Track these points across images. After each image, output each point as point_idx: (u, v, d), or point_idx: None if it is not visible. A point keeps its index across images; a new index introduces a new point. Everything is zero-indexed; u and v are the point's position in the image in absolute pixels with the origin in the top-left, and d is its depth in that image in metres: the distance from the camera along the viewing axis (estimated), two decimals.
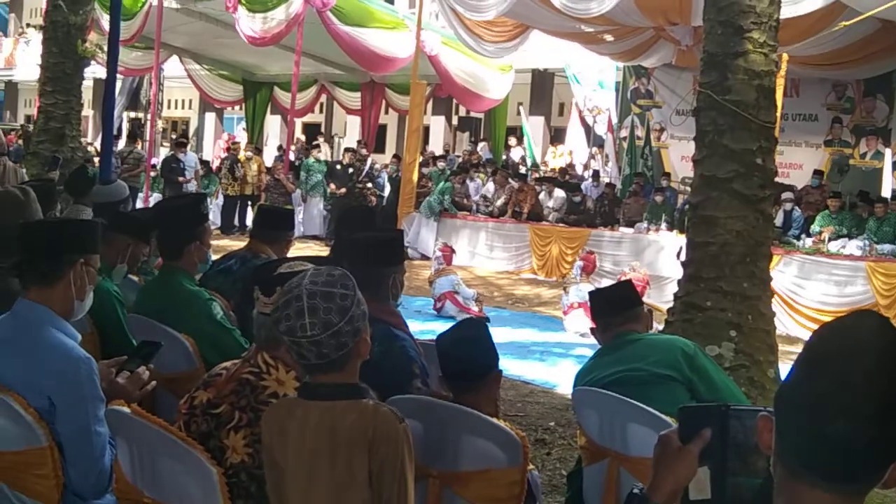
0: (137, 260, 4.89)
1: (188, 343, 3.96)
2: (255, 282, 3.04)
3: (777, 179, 15.07)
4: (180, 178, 18.27)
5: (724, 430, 1.71)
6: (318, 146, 21.11)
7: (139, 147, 19.18)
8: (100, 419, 2.92)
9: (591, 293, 4.54)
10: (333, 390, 2.51)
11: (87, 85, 14.38)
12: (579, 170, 20.06)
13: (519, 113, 22.00)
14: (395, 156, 21.08)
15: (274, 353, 2.88)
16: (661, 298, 11.10)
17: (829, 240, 12.83)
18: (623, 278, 11.33)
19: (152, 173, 19.52)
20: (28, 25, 34.29)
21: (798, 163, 16.57)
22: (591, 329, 4.40)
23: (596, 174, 18.81)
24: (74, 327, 3.16)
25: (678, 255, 9.75)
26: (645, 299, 10.78)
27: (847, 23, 11.94)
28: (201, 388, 2.93)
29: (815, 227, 13.45)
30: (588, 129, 20.97)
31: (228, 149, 21.45)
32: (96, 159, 12.16)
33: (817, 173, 15.44)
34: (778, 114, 9.39)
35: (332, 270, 2.55)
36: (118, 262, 4.71)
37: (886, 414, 1.27)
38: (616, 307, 4.15)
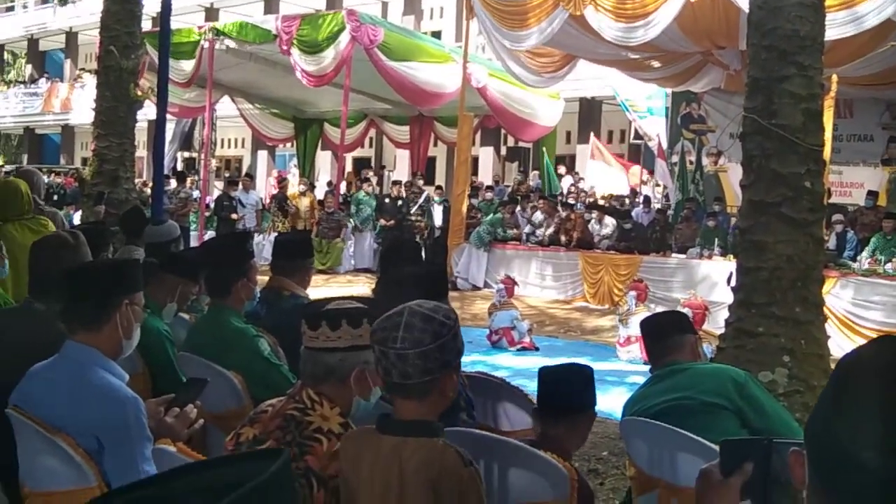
0: (187, 298, 4.95)
1: (236, 380, 4.00)
2: (303, 317, 3.06)
3: (838, 199, 15.12)
4: (233, 216, 18.50)
5: (767, 464, 1.68)
6: (367, 180, 21.28)
7: (188, 186, 19.49)
8: (147, 458, 2.95)
9: (641, 322, 4.51)
10: (407, 426, 2.52)
11: (142, 126, 14.63)
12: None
13: (541, 149, 21.85)
14: (438, 186, 21.17)
15: (318, 388, 2.89)
16: (714, 324, 10.99)
17: (886, 261, 12.60)
18: (681, 306, 11.25)
19: (206, 212, 19.82)
20: (83, 70, 35.04)
21: (859, 181, 16.34)
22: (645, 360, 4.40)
23: (647, 200, 18.72)
24: (125, 366, 3.21)
25: (729, 280, 9.65)
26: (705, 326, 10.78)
27: None
28: (247, 424, 2.95)
29: (864, 253, 13.18)
30: (640, 154, 20.86)
31: (277, 187, 21.73)
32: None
33: (871, 194, 15.21)
34: (829, 135, 9.33)
35: (441, 304, 2.61)
36: (168, 301, 4.77)
37: None
38: (659, 336, 4.12)
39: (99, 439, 2.90)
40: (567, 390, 3.45)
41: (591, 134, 22.05)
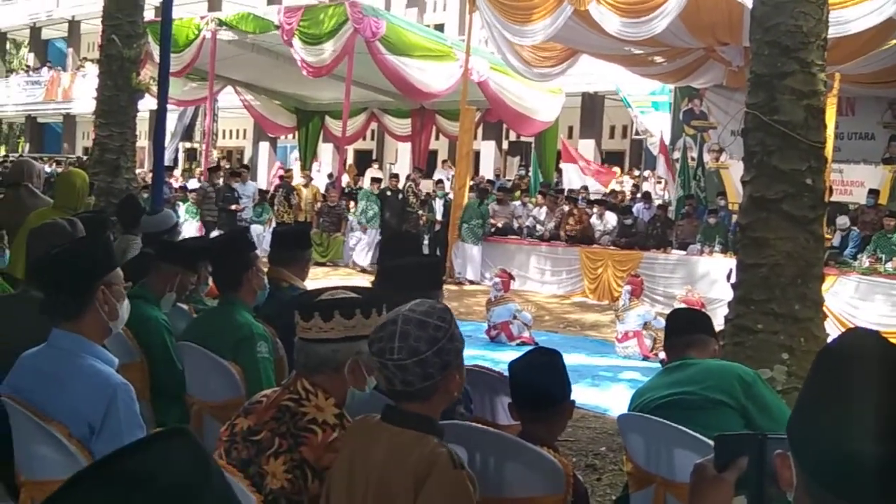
0: (185, 288, 4.93)
1: (235, 371, 3.98)
2: (296, 307, 3.05)
3: (839, 197, 15.09)
4: (233, 207, 18.47)
5: (761, 459, 1.67)
6: (377, 180, 20.94)
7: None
8: None
9: (669, 313, 4.49)
10: (407, 418, 2.49)
11: (144, 116, 14.59)
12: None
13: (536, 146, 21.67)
14: (438, 181, 21.07)
15: (313, 379, 2.88)
16: (714, 321, 10.95)
17: (887, 259, 12.59)
18: (678, 301, 11.22)
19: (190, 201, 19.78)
20: (85, 59, 34.98)
21: (859, 180, 16.31)
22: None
23: (647, 196, 18.68)
24: (122, 356, 3.19)
25: (728, 277, 9.64)
26: None
27: None
28: (242, 415, 2.94)
29: (865, 251, 13.19)
30: (641, 150, 20.76)
31: (281, 177, 21.70)
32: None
33: (872, 192, 15.19)
34: (831, 133, 9.30)
35: (435, 304, 2.56)
36: (167, 291, 4.75)
37: None
38: (680, 330, 4.11)
39: (91, 426, 2.88)
40: (543, 384, 3.36)
41: (561, 138, 21.95)
